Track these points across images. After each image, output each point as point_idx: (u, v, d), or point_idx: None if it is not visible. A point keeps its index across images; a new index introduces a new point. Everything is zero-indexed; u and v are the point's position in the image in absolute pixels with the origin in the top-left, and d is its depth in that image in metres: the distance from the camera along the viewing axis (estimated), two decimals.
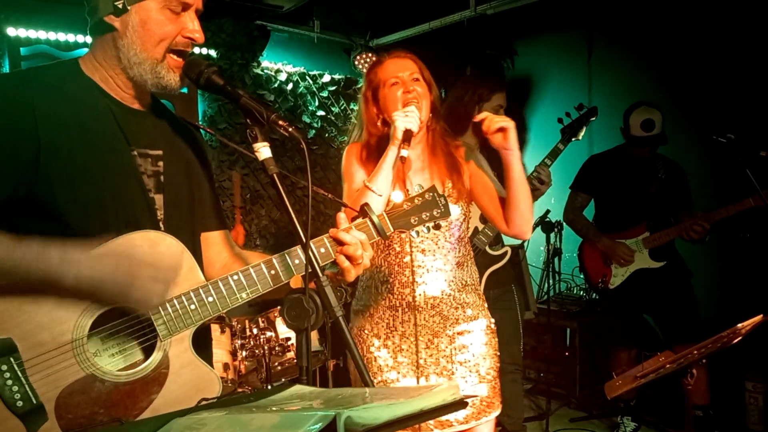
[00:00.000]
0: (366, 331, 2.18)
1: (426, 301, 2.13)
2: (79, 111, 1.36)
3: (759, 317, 2.18)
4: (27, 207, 1.29)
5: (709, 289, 4.01)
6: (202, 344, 1.43)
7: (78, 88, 1.39)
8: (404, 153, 1.89)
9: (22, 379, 1.22)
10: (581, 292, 4.99)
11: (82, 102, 1.38)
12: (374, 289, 2.18)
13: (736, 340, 2.16)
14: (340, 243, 1.47)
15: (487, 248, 3.14)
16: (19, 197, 1.28)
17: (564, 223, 4.13)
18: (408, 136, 1.91)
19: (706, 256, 4.08)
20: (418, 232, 1.61)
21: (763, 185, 3.11)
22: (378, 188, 1.94)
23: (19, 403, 1.21)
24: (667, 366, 2.08)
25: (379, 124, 2.13)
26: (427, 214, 1.60)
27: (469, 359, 2.15)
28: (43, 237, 1.24)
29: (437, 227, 1.63)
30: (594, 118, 3.29)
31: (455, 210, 2.10)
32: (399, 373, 2.13)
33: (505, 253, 3.17)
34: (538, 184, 3.07)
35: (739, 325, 2.15)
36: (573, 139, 3.31)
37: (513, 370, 3.42)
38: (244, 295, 1.40)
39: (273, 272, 1.42)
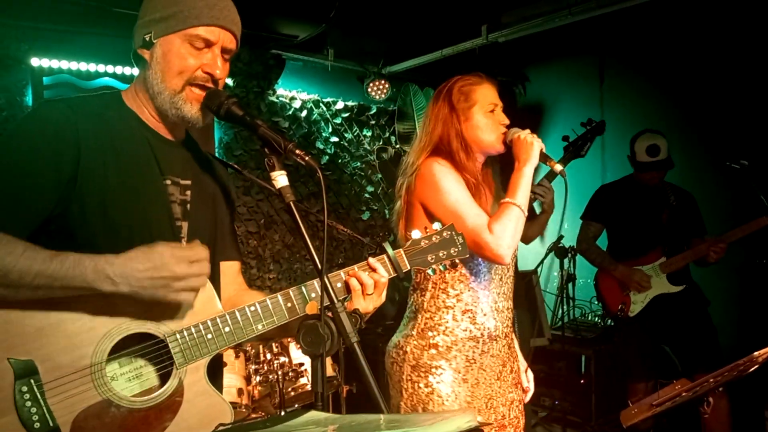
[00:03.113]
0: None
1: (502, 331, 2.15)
2: (117, 138, 1.44)
3: None
4: (59, 226, 1.36)
5: (728, 317, 3.97)
6: (213, 373, 1.45)
7: (119, 118, 1.47)
8: (558, 167, 2.08)
9: (41, 401, 1.24)
10: (596, 319, 4.94)
11: (121, 130, 1.46)
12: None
13: (752, 369, 2.13)
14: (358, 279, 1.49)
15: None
16: (54, 215, 1.35)
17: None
18: (544, 157, 2.03)
19: (725, 283, 4.05)
20: (434, 270, 1.60)
21: None
22: (525, 206, 1.97)
23: (37, 425, 1.23)
24: (683, 394, 2.06)
25: (466, 137, 2.10)
26: (444, 253, 1.60)
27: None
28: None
29: (453, 266, 1.61)
30: (600, 135, 3.19)
31: None
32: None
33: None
34: (541, 198, 3.03)
35: (756, 353, 2.12)
36: (575, 158, 3.09)
37: None
38: (260, 327, 1.42)
39: (290, 305, 1.44)
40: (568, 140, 3.20)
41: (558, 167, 2.07)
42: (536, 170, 2.09)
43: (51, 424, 1.25)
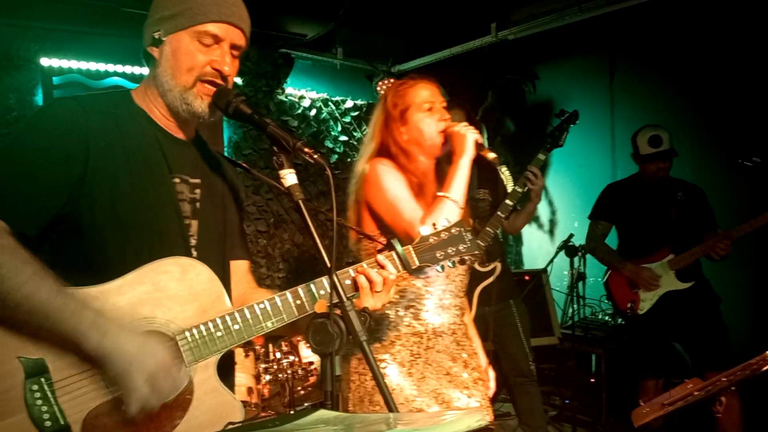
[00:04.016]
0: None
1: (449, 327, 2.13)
2: (126, 136, 1.44)
3: None
4: (69, 224, 1.36)
5: (741, 316, 3.93)
6: (224, 371, 1.45)
7: (128, 116, 1.48)
8: (491, 155, 2.08)
9: (52, 399, 1.24)
10: (606, 317, 4.92)
11: (131, 129, 1.46)
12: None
13: (765, 368, 2.11)
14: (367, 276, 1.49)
15: (476, 265, 3.15)
16: (64, 214, 1.35)
17: None
18: (479, 147, 2.02)
19: (738, 280, 4.01)
20: (443, 267, 1.60)
21: None
22: (460, 199, 1.96)
23: (48, 423, 1.23)
24: (695, 393, 2.04)
25: (404, 141, 2.12)
26: (453, 249, 1.59)
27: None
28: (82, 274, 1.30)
29: (462, 262, 1.61)
30: (574, 124, 3.23)
31: None
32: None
33: (494, 269, 3.16)
34: (530, 185, 3.07)
35: None
36: (555, 148, 3.21)
37: (523, 382, 3.45)
38: (269, 324, 1.42)
39: (299, 302, 1.44)
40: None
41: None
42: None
43: (62, 423, 1.25)
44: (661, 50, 4.69)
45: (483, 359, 2.28)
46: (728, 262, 3.53)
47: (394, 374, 2.07)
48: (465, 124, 2.07)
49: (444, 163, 2.13)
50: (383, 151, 2.12)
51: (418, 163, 2.11)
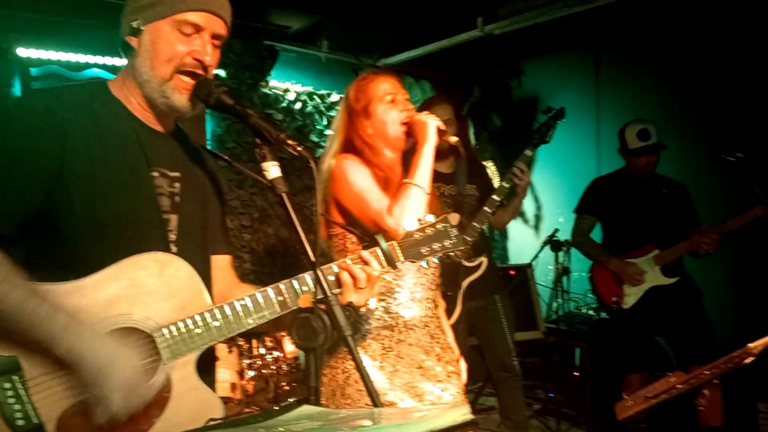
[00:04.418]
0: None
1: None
2: (104, 129, 1.40)
3: None
4: (45, 221, 1.32)
5: (725, 310, 3.97)
6: (205, 368, 1.42)
7: (106, 108, 1.44)
8: (454, 139, 2.08)
9: (24, 397, 1.21)
10: (591, 312, 4.95)
11: (108, 121, 1.42)
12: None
13: (748, 360, 2.13)
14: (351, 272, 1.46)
15: (462, 260, 3.15)
16: (40, 210, 1.32)
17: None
18: (441, 133, 2.02)
19: (722, 275, 4.05)
20: (428, 263, 1.58)
21: None
22: (425, 185, 1.95)
23: (20, 422, 1.20)
24: (678, 386, 2.05)
25: (369, 135, 2.11)
26: (439, 245, 1.57)
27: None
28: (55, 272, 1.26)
29: (448, 258, 1.60)
30: (561, 120, 3.25)
31: None
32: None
33: (480, 264, 3.17)
34: (517, 180, 3.08)
35: (751, 344, 2.12)
36: (542, 144, 3.24)
37: (506, 377, 3.48)
38: (250, 321, 1.39)
39: (281, 298, 1.41)
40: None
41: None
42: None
43: (35, 421, 1.21)
44: (647, 46, 4.71)
45: (456, 352, 2.27)
46: (711, 257, 3.56)
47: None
48: (426, 112, 2.07)
49: (410, 157, 2.12)
50: (348, 147, 2.12)
51: (383, 157, 2.10)
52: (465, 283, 3.13)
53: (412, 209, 1.89)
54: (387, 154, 2.11)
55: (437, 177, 2.39)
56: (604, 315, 4.59)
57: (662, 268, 3.66)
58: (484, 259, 3.16)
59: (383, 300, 2.09)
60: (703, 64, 4.36)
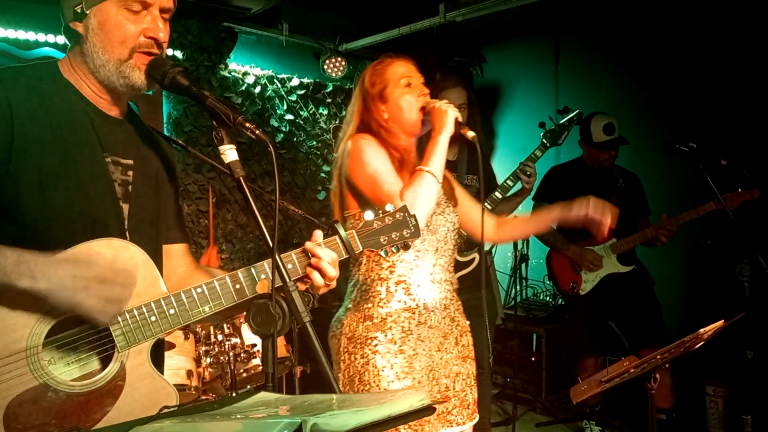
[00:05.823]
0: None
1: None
2: (55, 113, 1.34)
3: (720, 322, 2.22)
4: None
5: (675, 297, 4.09)
6: (156, 356, 1.39)
7: (56, 91, 1.37)
8: (471, 134, 2.03)
9: None
10: (548, 298, 5.04)
11: (59, 105, 1.36)
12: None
13: (698, 345, 2.20)
14: (312, 257, 1.44)
15: (456, 255, 3.17)
16: None
17: None
18: (458, 124, 2.01)
19: (673, 263, 4.16)
20: (387, 252, 1.58)
21: (722, 191, 3.20)
22: (438, 173, 1.95)
23: None
24: (632, 371, 2.10)
25: (385, 119, 2.11)
26: (397, 234, 1.57)
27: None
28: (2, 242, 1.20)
29: (406, 248, 1.60)
30: (577, 124, 3.31)
31: (454, 215, 2.21)
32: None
33: (473, 259, 3.19)
34: (525, 180, 3.11)
35: (701, 330, 2.18)
36: (553, 146, 3.31)
37: (479, 373, 3.46)
38: (207, 309, 1.36)
39: (238, 286, 1.38)
40: (544, 127, 3.31)
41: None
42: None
43: None
44: (606, 34, 4.78)
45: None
46: (664, 246, 3.66)
47: (383, 351, 2.04)
48: (445, 101, 2.06)
49: (425, 142, 2.12)
50: (363, 131, 2.11)
51: (399, 140, 2.10)
52: (456, 276, 3.14)
53: (425, 196, 1.91)
54: (403, 138, 2.10)
55: None
56: (561, 301, 4.69)
57: (618, 256, 3.76)
58: (476, 255, 3.17)
59: (402, 282, 2.09)
60: (660, 53, 4.45)
